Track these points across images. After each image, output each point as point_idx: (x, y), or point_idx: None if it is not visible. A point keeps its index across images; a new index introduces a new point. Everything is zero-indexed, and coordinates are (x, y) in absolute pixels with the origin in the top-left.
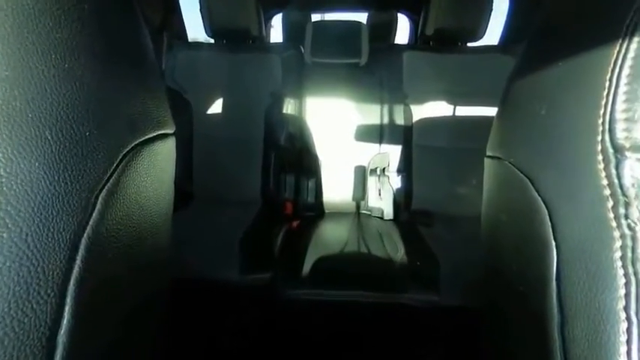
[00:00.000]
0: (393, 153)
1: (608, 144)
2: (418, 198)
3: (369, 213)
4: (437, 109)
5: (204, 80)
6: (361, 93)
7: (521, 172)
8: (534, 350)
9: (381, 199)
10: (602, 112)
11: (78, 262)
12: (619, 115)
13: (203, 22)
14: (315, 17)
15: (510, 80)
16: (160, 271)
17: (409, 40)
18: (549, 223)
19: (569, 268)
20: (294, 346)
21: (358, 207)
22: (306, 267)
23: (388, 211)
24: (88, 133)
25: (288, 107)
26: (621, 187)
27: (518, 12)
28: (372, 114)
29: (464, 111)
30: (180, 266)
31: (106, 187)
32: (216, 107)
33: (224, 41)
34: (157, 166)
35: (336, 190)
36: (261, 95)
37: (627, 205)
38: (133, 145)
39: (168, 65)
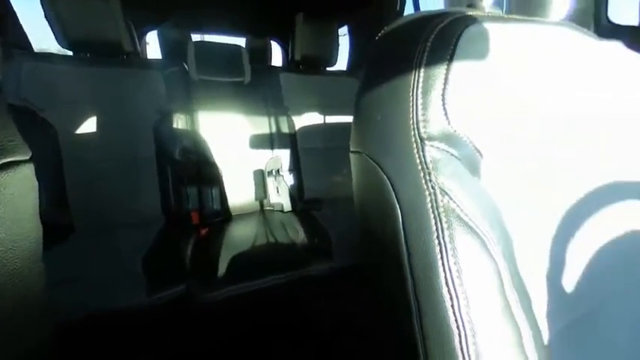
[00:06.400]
0: (284, 156)
1: (417, 137)
2: (308, 189)
3: (271, 208)
4: (312, 118)
5: (67, 97)
6: (250, 107)
7: (373, 160)
8: (394, 276)
9: (280, 195)
10: (410, 116)
11: None
12: (419, 118)
13: (53, 31)
14: (195, 37)
15: (358, 95)
16: (40, 318)
17: (283, 63)
18: (393, 192)
19: (408, 220)
20: (220, 343)
21: (262, 205)
22: (221, 268)
23: (287, 204)
24: None
25: (178, 122)
26: (425, 161)
27: (356, 47)
28: (262, 125)
29: (331, 119)
30: (75, 305)
31: None
32: (89, 126)
33: (87, 54)
34: (7, 200)
35: (239, 193)
36: (146, 112)
37: (430, 174)
38: None
39: (9, 79)
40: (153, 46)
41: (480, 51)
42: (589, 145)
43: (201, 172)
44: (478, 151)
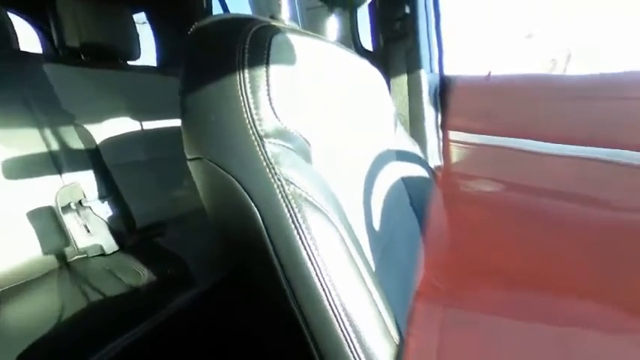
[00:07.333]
0: (85, 181)
1: (256, 135)
2: (140, 216)
3: (84, 256)
4: (121, 126)
5: None
6: None
7: (216, 164)
8: (265, 269)
9: (92, 234)
10: (245, 115)
11: None
12: (254, 117)
13: None
14: None
15: (183, 95)
16: None
17: (45, 49)
18: (244, 192)
19: (265, 214)
20: None
21: (64, 257)
22: None
23: (108, 244)
24: None
25: None
26: (268, 157)
27: (163, 40)
28: (30, 141)
29: (149, 125)
30: None
31: None
32: None
33: None
34: None
35: (9, 254)
36: None
37: (274, 167)
38: None
39: None
40: None
41: (288, 57)
42: (364, 131)
43: None
44: (307, 142)
